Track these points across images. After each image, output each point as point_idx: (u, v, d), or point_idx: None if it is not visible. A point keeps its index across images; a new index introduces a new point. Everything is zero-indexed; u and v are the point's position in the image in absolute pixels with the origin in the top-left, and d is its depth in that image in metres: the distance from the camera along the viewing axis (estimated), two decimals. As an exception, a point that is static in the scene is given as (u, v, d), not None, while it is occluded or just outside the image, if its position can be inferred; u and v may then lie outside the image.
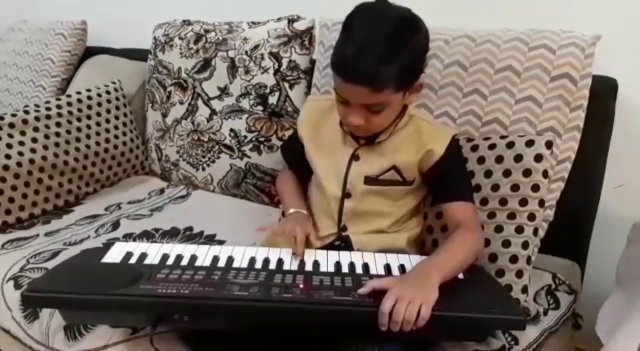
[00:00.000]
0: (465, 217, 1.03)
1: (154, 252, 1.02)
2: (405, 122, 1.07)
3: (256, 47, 1.57)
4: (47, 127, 1.56)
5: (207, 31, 1.69)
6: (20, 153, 1.48)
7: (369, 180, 1.07)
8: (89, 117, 1.67)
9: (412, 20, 0.96)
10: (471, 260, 0.98)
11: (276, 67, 1.54)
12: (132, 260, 0.99)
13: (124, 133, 1.76)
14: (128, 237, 1.38)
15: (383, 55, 0.90)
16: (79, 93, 1.70)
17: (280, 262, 0.99)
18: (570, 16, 1.36)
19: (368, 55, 0.90)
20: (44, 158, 1.52)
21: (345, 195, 1.09)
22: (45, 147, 1.54)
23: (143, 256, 1.00)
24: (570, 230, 1.24)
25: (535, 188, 1.03)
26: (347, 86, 0.94)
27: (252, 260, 0.99)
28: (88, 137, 1.65)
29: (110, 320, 0.99)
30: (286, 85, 1.54)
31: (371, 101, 0.95)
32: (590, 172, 1.24)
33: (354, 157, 1.09)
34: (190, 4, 2.02)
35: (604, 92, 1.21)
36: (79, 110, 1.66)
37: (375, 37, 0.91)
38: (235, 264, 0.98)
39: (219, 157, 1.65)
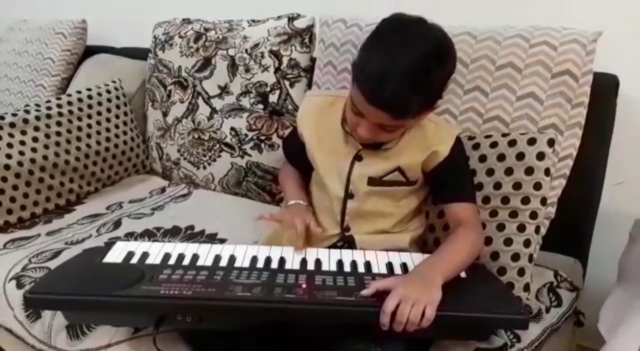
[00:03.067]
0: (466, 218, 1.03)
1: (155, 252, 1.01)
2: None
3: (256, 45, 1.57)
4: (47, 126, 1.56)
5: (207, 30, 1.68)
6: (22, 153, 1.48)
7: (372, 181, 1.06)
8: (89, 116, 1.67)
9: (446, 47, 0.93)
10: (471, 260, 0.98)
11: (276, 65, 1.54)
12: (134, 260, 0.99)
13: (125, 132, 1.76)
14: (129, 236, 1.38)
15: (415, 82, 0.87)
16: (79, 92, 1.70)
17: (282, 260, 0.99)
18: (571, 12, 1.36)
19: (398, 82, 0.86)
20: (45, 157, 1.53)
21: (348, 195, 1.09)
22: (46, 146, 1.54)
23: (145, 256, 1.00)
24: (572, 227, 1.24)
25: (538, 186, 1.03)
26: (369, 107, 0.91)
27: (254, 259, 0.99)
28: (89, 136, 1.65)
29: (113, 320, 0.99)
30: (287, 83, 1.54)
31: (389, 124, 0.94)
32: (592, 168, 1.24)
33: (357, 158, 1.08)
34: (190, 3, 2.02)
35: (605, 88, 1.21)
36: (80, 109, 1.66)
37: (408, 63, 0.87)
38: (237, 263, 0.98)
39: (219, 156, 1.65)
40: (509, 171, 1.06)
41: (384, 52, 0.89)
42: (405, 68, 0.87)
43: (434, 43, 0.91)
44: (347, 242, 1.11)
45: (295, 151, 1.21)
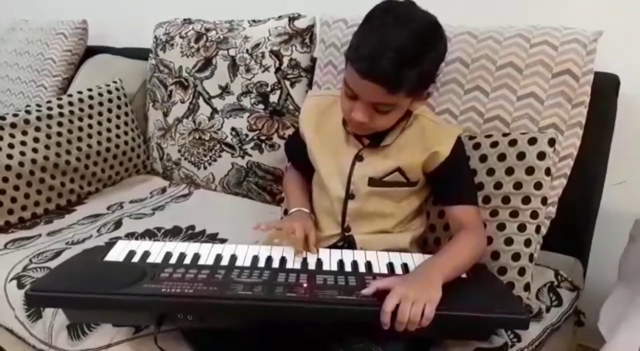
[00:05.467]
0: (468, 221, 1.03)
1: (156, 251, 1.02)
2: (409, 123, 1.06)
3: (257, 45, 1.57)
4: (48, 126, 1.56)
5: (207, 30, 1.69)
6: (22, 153, 1.49)
7: (372, 182, 1.06)
8: (90, 117, 1.67)
9: (439, 28, 0.95)
10: (473, 262, 0.98)
11: (277, 65, 1.54)
12: (135, 259, 0.99)
13: (126, 133, 1.76)
14: (130, 236, 1.38)
15: (408, 57, 0.89)
16: (80, 92, 1.70)
17: (283, 260, 0.99)
18: (571, 12, 1.36)
19: (393, 55, 0.88)
20: (46, 157, 1.53)
21: (349, 196, 1.09)
22: (47, 147, 1.54)
23: (146, 254, 1.00)
24: (572, 226, 1.24)
25: (538, 186, 1.03)
26: (363, 82, 0.91)
27: (255, 259, 0.99)
28: (89, 136, 1.65)
29: (114, 319, 0.99)
30: (287, 83, 1.54)
31: (382, 101, 0.94)
32: (592, 168, 1.24)
33: (358, 158, 1.08)
34: (191, 3, 2.02)
35: (605, 88, 1.21)
36: (81, 109, 1.66)
37: (403, 38, 0.89)
38: (239, 263, 0.98)
39: (220, 156, 1.65)
40: (509, 171, 1.06)
41: (377, 32, 0.91)
42: (398, 44, 0.88)
43: (425, 23, 0.93)
44: (347, 242, 1.11)
45: (298, 151, 1.21)
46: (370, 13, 0.96)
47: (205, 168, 1.69)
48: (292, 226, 1.03)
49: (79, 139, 1.62)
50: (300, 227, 1.03)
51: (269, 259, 1.00)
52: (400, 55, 0.88)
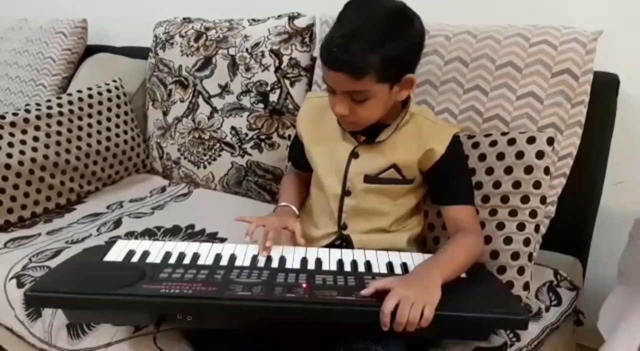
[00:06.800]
0: (465, 221, 1.03)
1: (156, 250, 1.02)
2: (406, 121, 1.06)
3: (257, 44, 1.57)
4: (48, 125, 1.56)
5: (207, 29, 1.69)
6: (22, 152, 1.48)
7: (368, 179, 1.07)
8: (90, 116, 1.67)
9: (403, 13, 0.96)
10: (471, 263, 0.98)
11: (277, 64, 1.54)
12: (134, 259, 0.99)
13: (125, 132, 1.76)
14: (130, 235, 1.38)
15: (366, 43, 0.90)
16: (79, 92, 1.70)
17: (282, 260, 0.99)
18: (571, 11, 1.35)
19: (351, 43, 0.90)
20: (46, 156, 1.53)
21: (345, 193, 1.09)
22: (47, 146, 1.54)
23: (145, 254, 1.00)
24: (572, 226, 1.24)
25: (537, 185, 1.03)
26: (329, 73, 0.95)
27: (254, 259, 0.99)
28: (89, 135, 1.65)
29: (113, 319, 1.00)
30: (287, 82, 1.54)
31: (351, 88, 0.95)
32: (592, 168, 1.24)
33: (353, 155, 1.08)
34: (190, 2, 2.02)
35: (605, 88, 1.21)
36: (80, 108, 1.65)
37: (361, 26, 0.92)
38: (238, 262, 0.98)
39: (220, 155, 1.65)
40: (508, 170, 1.06)
41: (341, 23, 0.96)
42: (356, 31, 0.92)
43: (387, 9, 0.95)
44: (344, 240, 1.11)
45: (297, 153, 1.21)
46: (341, 10, 0.99)
47: (204, 167, 1.69)
48: (274, 222, 1.06)
49: (79, 138, 1.62)
50: (279, 223, 1.06)
51: (269, 259, 1.00)
52: (357, 41, 0.90)
